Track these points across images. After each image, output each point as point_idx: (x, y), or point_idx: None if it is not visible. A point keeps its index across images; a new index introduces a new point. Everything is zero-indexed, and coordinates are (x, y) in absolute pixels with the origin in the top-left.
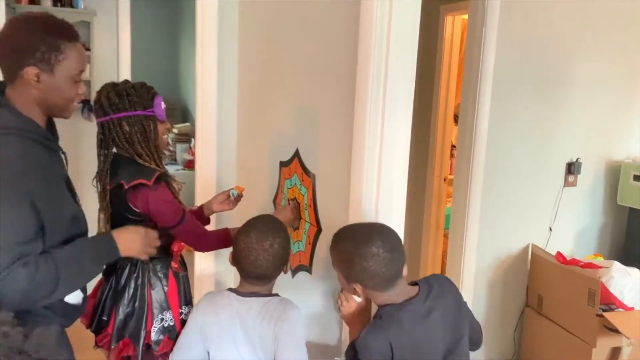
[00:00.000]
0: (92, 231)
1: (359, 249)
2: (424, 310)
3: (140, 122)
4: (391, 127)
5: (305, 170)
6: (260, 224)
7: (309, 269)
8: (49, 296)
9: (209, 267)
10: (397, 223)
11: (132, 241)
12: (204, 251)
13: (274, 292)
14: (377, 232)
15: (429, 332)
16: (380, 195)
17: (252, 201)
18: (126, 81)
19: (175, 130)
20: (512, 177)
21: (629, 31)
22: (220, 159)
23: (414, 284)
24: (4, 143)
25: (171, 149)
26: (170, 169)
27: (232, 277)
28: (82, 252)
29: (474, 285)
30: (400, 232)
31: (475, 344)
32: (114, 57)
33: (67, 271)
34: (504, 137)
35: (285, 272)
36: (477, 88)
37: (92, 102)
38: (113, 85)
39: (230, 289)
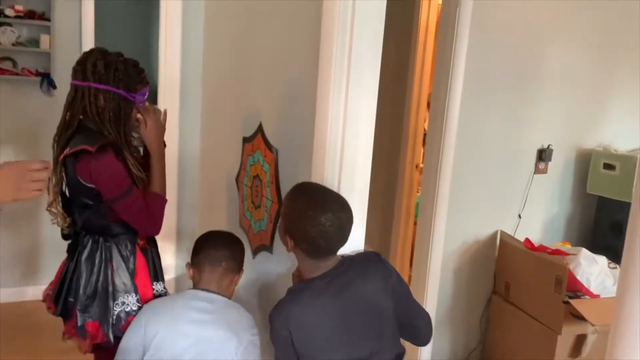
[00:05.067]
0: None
1: (309, 211)
2: (332, 289)
3: (117, 100)
4: (355, 98)
5: (268, 145)
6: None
7: (269, 248)
8: None
9: None
10: (358, 203)
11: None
12: (149, 234)
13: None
14: (335, 205)
15: (331, 310)
16: (343, 174)
17: (220, 180)
18: (120, 54)
19: None
20: (482, 163)
21: (596, 29)
22: (182, 140)
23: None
24: None
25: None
26: None
27: None
28: None
29: (441, 271)
30: (362, 213)
31: (420, 340)
32: (76, 28)
33: None
34: (475, 123)
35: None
36: (449, 74)
37: (52, 76)
38: (104, 53)
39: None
